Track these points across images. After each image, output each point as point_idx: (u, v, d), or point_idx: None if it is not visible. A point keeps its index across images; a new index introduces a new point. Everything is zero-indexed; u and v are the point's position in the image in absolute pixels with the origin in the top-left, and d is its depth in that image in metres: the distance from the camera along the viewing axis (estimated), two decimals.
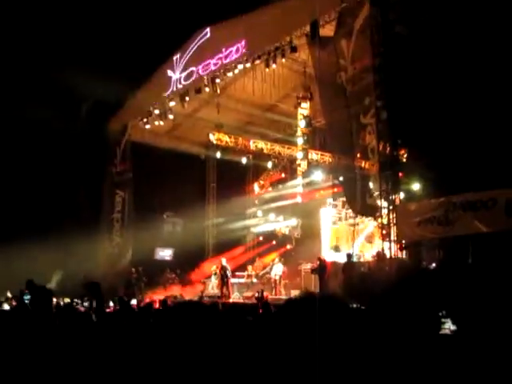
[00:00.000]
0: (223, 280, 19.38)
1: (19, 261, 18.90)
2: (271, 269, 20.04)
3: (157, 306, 11.17)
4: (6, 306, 16.11)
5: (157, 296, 16.90)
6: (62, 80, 21.55)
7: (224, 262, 19.95)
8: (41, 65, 21.05)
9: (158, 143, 23.07)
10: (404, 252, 12.95)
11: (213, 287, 20.73)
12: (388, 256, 12.71)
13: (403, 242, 12.88)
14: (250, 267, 21.70)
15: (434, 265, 13.48)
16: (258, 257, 23.34)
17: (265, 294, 16.87)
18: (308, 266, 18.20)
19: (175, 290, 21.25)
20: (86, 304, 11.91)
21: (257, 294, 17.03)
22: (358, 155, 14.04)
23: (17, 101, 19.77)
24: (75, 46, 21.20)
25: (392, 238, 12.77)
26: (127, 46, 20.74)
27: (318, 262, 16.39)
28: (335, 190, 20.14)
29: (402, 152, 14.78)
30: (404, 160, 15.01)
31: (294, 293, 19.47)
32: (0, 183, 20.79)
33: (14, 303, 16.41)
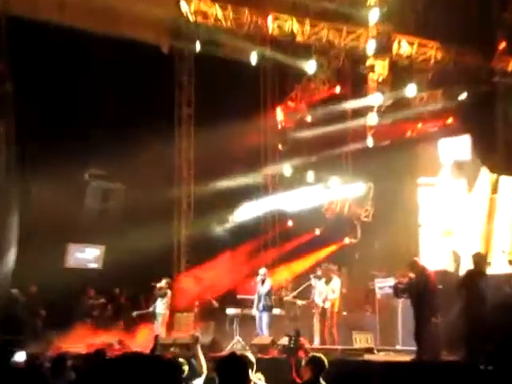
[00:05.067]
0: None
1: None
2: (314, 286, 11.42)
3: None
4: None
5: (69, 346, 9.77)
6: None
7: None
8: None
9: (72, 22, 12.51)
10: None
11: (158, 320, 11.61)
12: None
13: None
14: (267, 281, 11.07)
15: None
16: (284, 261, 13.57)
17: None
18: (388, 283, 10.92)
19: (109, 333, 11.64)
20: None
21: (286, 343, 8.41)
22: (501, 46, 10.52)
23: None
24: None
25: None
26: None
27: (412, 274, 8.90)
28: (449, 120, 12.86)
29: None
30: None
31: (356, 337, 10.23)
32: None
33: None
